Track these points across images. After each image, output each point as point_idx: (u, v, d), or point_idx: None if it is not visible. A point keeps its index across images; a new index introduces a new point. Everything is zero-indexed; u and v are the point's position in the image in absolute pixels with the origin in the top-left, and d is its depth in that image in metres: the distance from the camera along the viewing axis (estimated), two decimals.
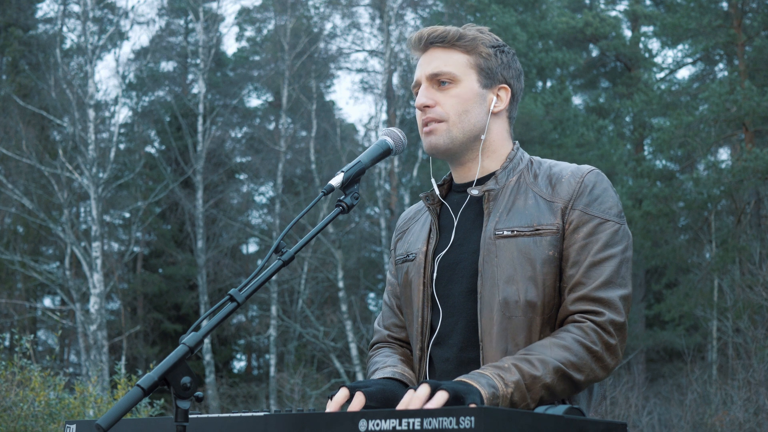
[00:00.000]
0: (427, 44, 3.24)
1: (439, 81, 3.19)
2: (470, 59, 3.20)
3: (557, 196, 3.09)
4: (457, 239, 3.21)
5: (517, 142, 3.33)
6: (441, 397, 2.59)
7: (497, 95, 3.23)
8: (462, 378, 2.76)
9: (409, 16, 32.86)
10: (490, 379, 2.78)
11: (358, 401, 2.85)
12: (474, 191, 3.18)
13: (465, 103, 3.17)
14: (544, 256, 3.04)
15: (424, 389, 2.63)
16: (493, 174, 3.22)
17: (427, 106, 3.19)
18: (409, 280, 3.29)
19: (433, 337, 3.19)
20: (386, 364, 3.25)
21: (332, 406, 2.84)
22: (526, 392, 2.83)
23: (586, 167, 3.16)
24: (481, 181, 3.23)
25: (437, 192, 3.30)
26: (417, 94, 3.25)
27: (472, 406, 2.53)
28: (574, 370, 2.90)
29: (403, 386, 3.10)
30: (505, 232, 3.08)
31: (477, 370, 2.83)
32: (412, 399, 2.61)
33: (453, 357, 3.12)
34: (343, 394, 2.87)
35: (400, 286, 3.37)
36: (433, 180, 3.35)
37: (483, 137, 3.20)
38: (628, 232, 3.12)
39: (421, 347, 3.22)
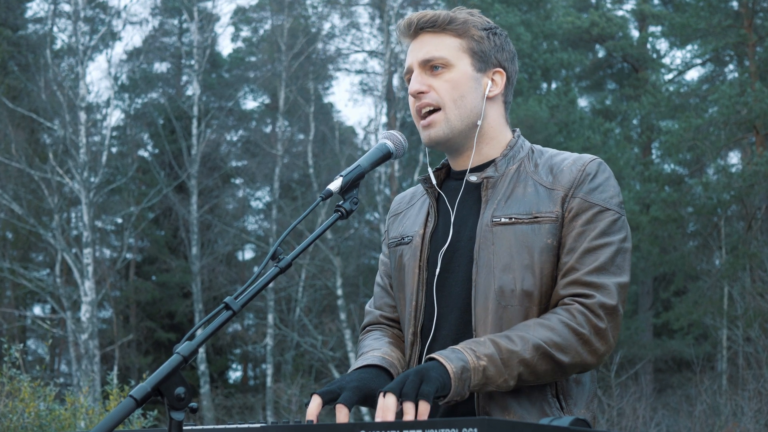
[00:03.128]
0: (417, 30, 3.24)
1: (431, 66, 3.19)
2: (462, 43, 3.20)
3: (558, 184, 3.10)
4: (454, 226, 3.21)
5: (517, 129, 3.32)
6: (408, 410, 2.65)
7: (492, 79, 3.23)
8: (432, 354, 2.81)
9: None
10: (460, 353, 2.81)
11: (343, 416, 2.81)
12: (473, 177, 3.18)
13: (460, 88, 3.17)
14: (542, 244, 3.05)
15: (391, 399, 2.67)
16: (492, 161, 3.22)
17: (421, 92, 3.18)
18: (404, 263, 3.29)
19: (431, 324, 3.18)
20: (372, 348, 3.24)
21: (312, 418, 2.82)
22: (502, 367, 2.84)
23: (588, 156, 3.16)
24: (480, 168, 3.23)
25: (434, 179, 3.30)
26: (409, 81, 3.25)
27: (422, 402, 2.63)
28: (557, 350, 2.91)
29: (383, 372, 3.10)
30: (503, 219, 3.08)
31: (451, 346, 2.86)
32: (384, 412, 2.66)
33: (448, 346, 3.08)
34: (315, 403, 2.84)
35: (393, 270, 3.37)
36: (429, 167, 3.34)
37: (479, 123, 3.20)
38: (627, 224, 3.13)
39: (413, 332, 3.22)
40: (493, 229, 3.09)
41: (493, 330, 3.03)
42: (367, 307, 3.54)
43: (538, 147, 3.27)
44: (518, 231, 3.06)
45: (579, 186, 3.08)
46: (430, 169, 3.33)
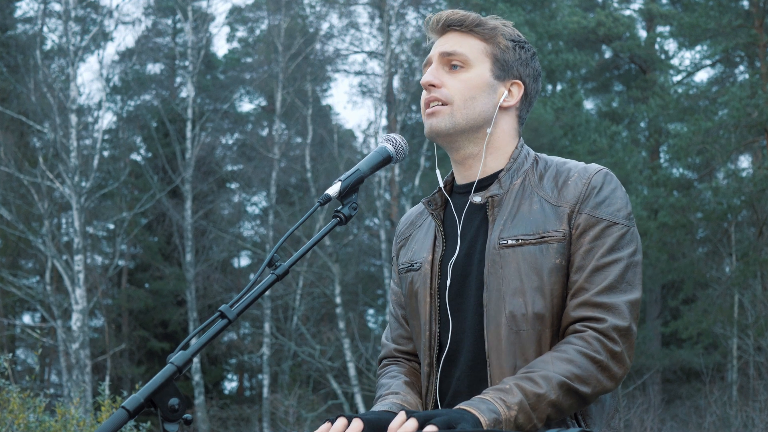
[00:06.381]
0: (445, 27, 3.27)
1: (450, 63, 3.21)
2: (487, 47, 3.23)
3: (563, 200, 3.10)
4: (463, 248, 3.21)
5: (521, 138, 3.33)
6: (429, 430, 2.65)
7: (509, 90, 3.24)
8: (461, 405, 2.79)
9: (411, 15, 32.89)
10: (490, 403, 2.80)
11: (356, 426, 2.84)
12: (476, 198, 3.19)
13: (473, 90, 3.19)
14: (551, 264, 3.05)
15: (412, 424, 2.68)
16: (496, 176, 3.22)
17: (433, 85, 3.21)
18: (415, 290, 3.29)
19: (443, 352, 3.19)
20: (389, 391, 3.25)
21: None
22: (531, 412, 2.84)
23: (594, 167, 3.16)
24: (484, 184, 3.23)
25: (443, 188, 3.31)
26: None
27: None
28: (579, 383, 2.92)
29: None
30: (510, 241, 3.08)
31: (478, 396, 2.85)
32: (401, 429, 2.67)
33: (464, 376, 3.14)
34: (341, 422, 2.86)
35: (405, 297, 3.38)
36: (439, 177, 3.35)
37: (489, 131, 3.21)
38: (637, 236, 3.13)
39: (429, 362, 3.22)
40: (500, 251, 3.09)
41: (507, 356, 3.04)
42: (383, 339, 3.55)
43: (543, 156, 3.28)
44: (526, 252, 3.07)
45: (585, 201, 3.08)
46: (440, 181, 3.34)
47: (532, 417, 2.85)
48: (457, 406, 2.80)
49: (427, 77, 3.21)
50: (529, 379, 2.88)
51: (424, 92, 3.24)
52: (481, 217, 3.20)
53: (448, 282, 3.21)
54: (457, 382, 3.15)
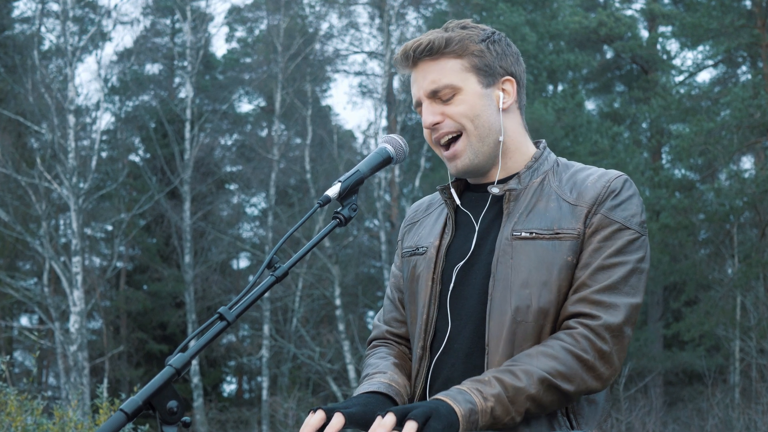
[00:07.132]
0: (416, 60, 3.23)
1: (440, 98, 3.19)
2: (464, 62, 3.19)
3: (581, 200, 3.12)
4: (474, 237, 3.22)
5: (544, 141, 3.35)
6: (409, 428, 2.68)
7: (503, 89, 3.24)
8: (439, 395, 2.82)
9: (411, 15, 32.92)
10: (467, 394, 2.82)
11: (337, 422, 2.86)
12: (495, 189, 3.19)
13: (474, 108, 3.18)
14: (562, 261, 3.06)
15: (390, 418, 2.71)
16: (516, 174, 3.23)
17: (437, 123, 3.20)
18: (417, 274, 3.31)
19: (443, 338, 3.20)
20: (377, 370, 3.26)
21: (307, 429, 2.86)
22: (509, 405, 2.86)
23: (615, 172, 3.18)
24: (503, 181, 3.25)
25: (453, 191, 3.32)
26: (420, 113, 3.25)
27: None
28: (562, 380, 2.92)
29: (387, 400, 3.12)
30: (524, 234, 3.10)
31: (456, 386, 2.87)
32: (380, 428, 2.70)
33: (459, 363, 3.14)
34: (318, 417, 2.87)
35: (405, 280, 3.38)
36: (450, 174, 3.35)
37: (501, 139, 3.21)
38: (647, 245, 3.14)
39: (422, 345, 3.23)
40: (512, 243, 3.10)
41: (506, 346, 3.05)
42: (375, 320, 3.56)
43: (563, 160, 3.30)
44: (538, 246, 3.08)
45: (602, 202, 3.10)
46: (450, 176, 3.35)
47: (510, 410, 2.86)
48: (434, 396, 2.82)
49: (427, 119, 3.20)
50: (510, 372, 2.90)
51: (428, 131, 3.23)
52: (496, 210, 3.21)
53: (454, 273, 3.22)
54: (450, 369, 3.16)
